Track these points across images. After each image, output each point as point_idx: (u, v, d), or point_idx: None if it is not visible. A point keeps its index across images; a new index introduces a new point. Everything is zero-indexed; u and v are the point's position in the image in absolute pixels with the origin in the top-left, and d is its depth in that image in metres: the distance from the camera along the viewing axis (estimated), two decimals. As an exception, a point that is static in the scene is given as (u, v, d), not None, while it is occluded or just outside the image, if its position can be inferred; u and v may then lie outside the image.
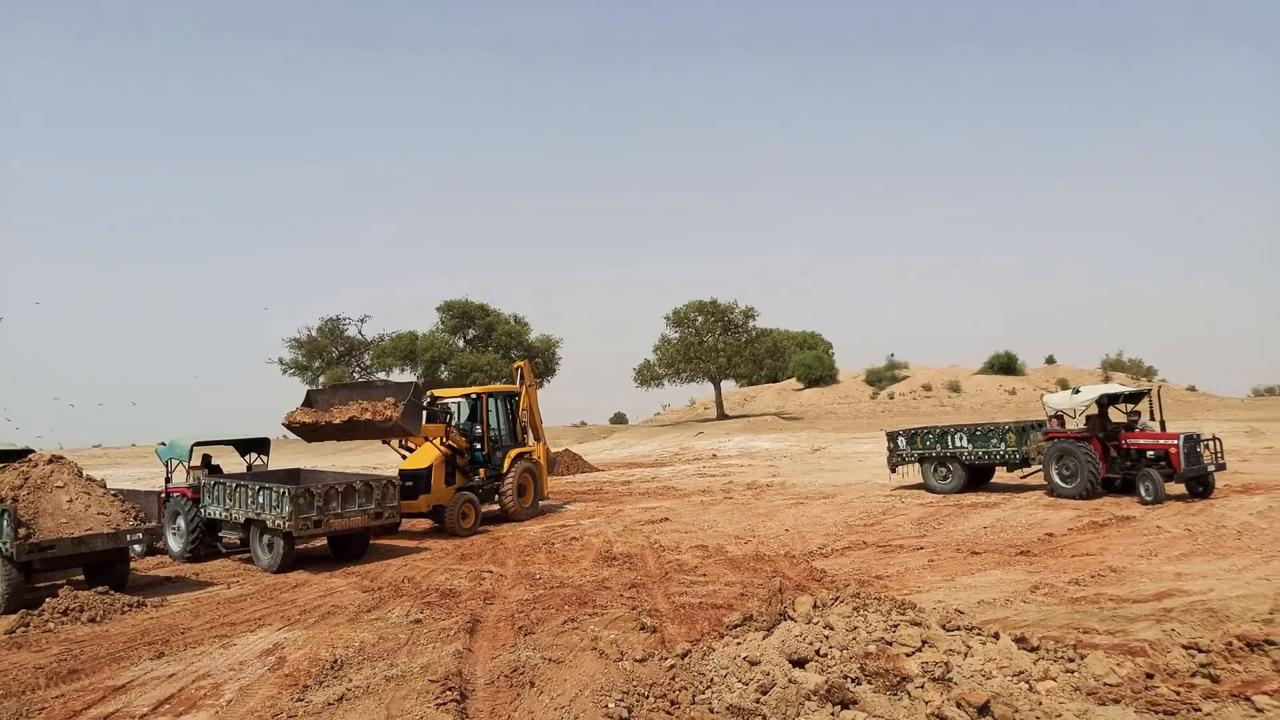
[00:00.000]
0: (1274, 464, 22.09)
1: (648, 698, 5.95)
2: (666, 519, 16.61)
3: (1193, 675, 5.70)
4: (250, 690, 7.04)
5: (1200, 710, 5.06)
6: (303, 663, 7.72)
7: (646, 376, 65.37)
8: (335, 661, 7.58)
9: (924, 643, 6.20)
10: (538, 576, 11.32)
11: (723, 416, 62.02)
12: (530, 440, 19.28)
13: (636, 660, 6.86)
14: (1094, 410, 17.37)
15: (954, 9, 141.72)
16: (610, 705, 5.86)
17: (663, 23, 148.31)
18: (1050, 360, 71.93)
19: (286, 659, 7.94)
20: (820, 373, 72.52)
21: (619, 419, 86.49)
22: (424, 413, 16.15)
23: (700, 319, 63.65)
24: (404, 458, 17.29)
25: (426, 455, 16.59)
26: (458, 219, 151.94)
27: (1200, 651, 6.17)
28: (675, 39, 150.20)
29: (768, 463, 32.22)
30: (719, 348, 62.31)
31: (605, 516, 17.59)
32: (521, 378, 19.61)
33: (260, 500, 12.96)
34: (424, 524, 17.19)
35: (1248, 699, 5.14)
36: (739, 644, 6.71)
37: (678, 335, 64.09)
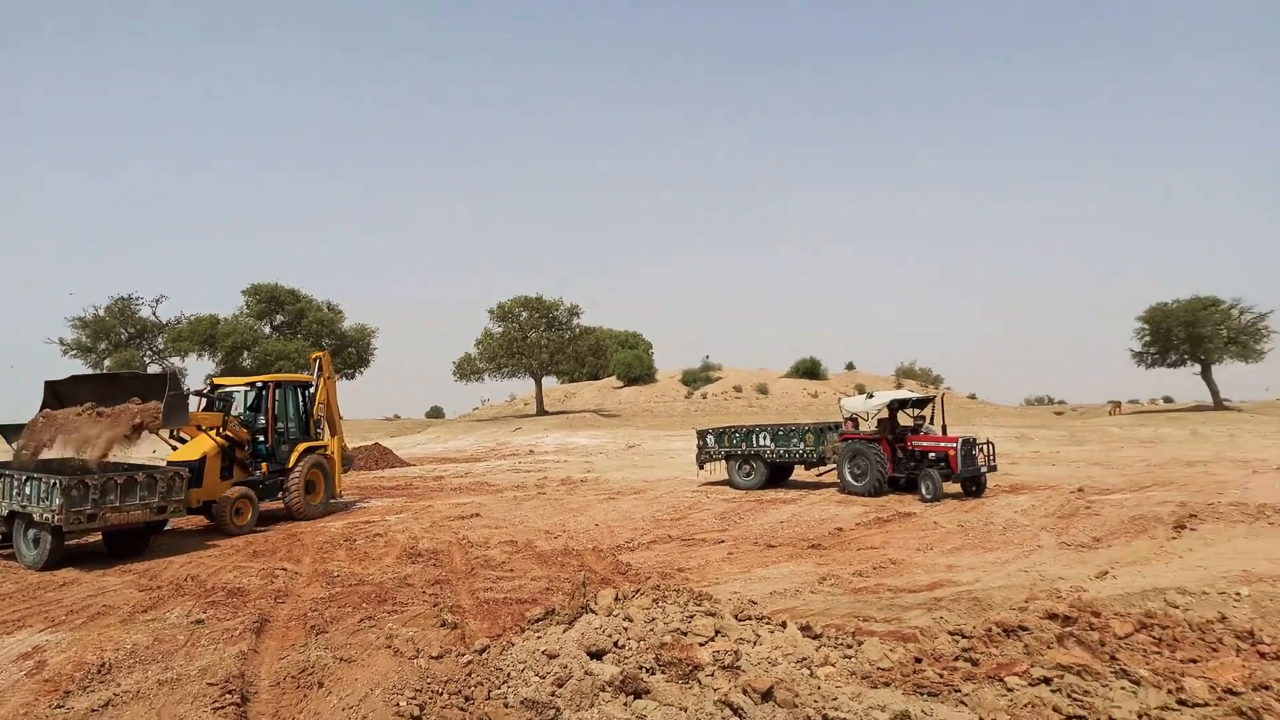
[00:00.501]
0: (1039, 467, 24.37)
1: (441, 694, 5.84)
2: (477, 514, 16.38)
3: (956, 659, 6.17)
4: (2, 698, 6.38)
5: (960, 691, 5.48)
6: (65, 667, 7.06)
7: (466, 370, 64.38)
8: (103, 665, 6.98)
9: (717, 632, 6.42)
10: (336, 574, 10.87)
11: (542, 412, 61.94)
12: (327, 434, 18.37)
13: (433, 657, 6.72)
14: (885, 414, 18.58)
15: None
16: (402, 703, 5.70)
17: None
18: (851, 366, 76.56)
19: (47, 663, 7.24)
20: (639, 372, 73.83)
21: (435, 413, 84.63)
22: (190, 400, 14.75)
23: (525, 314, 63.34)
24: (174, 449, 15.86)
25: (199, 447, 15.28)
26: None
27: (964, 637, 6.70)
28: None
29: (584, 459, 32.44)
30: (542, 344, 62.24)
31: (413, 512, 17.14)
32: (320, 368, 18.45)
33: (27, 491, 11.75)
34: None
35: (1001, 680, 5.63)
36: (539, 638, 6.71)
37: (501, 330, 63.46)
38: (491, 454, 37.66)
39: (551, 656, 6.16)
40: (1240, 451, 28.43)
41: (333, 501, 17.88)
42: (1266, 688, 5.30)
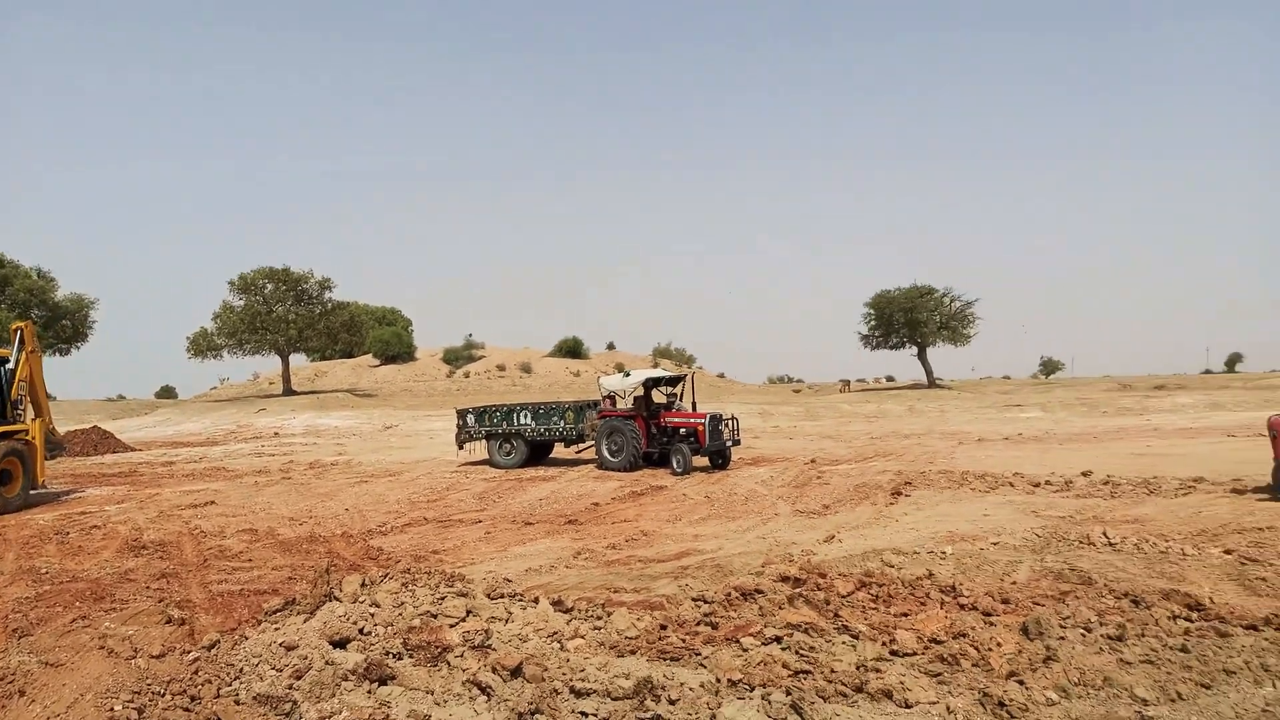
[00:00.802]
0: (778, 440, 26.11)
1: (163, 695, 5.36)
2: (212, 502, 15.21)
3: (698, 624, 6.47)
4: None
5: (700, 654, 5.76)
6: None
7: (202, 347, 59.40)
8: None
9: (469, 612, 6.35)
10: (44, 571, 9.71)
11: (290, 392, 58.44)
12: (29, 416, 16.28)
13: (154, 656, 6.16)
14: (641, 392, 19.15)
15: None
16: (117, 708, 5.19)
17: None
18: (611, 346, 78.37)
19: None
20: (398, 350, 71.59)
21: (166, 393, 77.79)
22: None
23: (270, 287, 59.19)
24: None
25: None
26: None
27: (705, 603, 7.05)
28: None
29: (335, 441, 31.04)
30: (289, 319, 58.56)
31: (138, 501, 15.64)
32: (20, 341, 16.09)
33: None
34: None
35: (738, 641, 5.97)
36: (277, 629, 6.34)
37: (243, 303, 58.99)
38: (231, 437, 35.14)
39: (290, 648, 5.84)
40: (949, 425, 31.90)
41: (33, 493, 15.84)
42: (964, 635, 5.97)
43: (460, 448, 21.17)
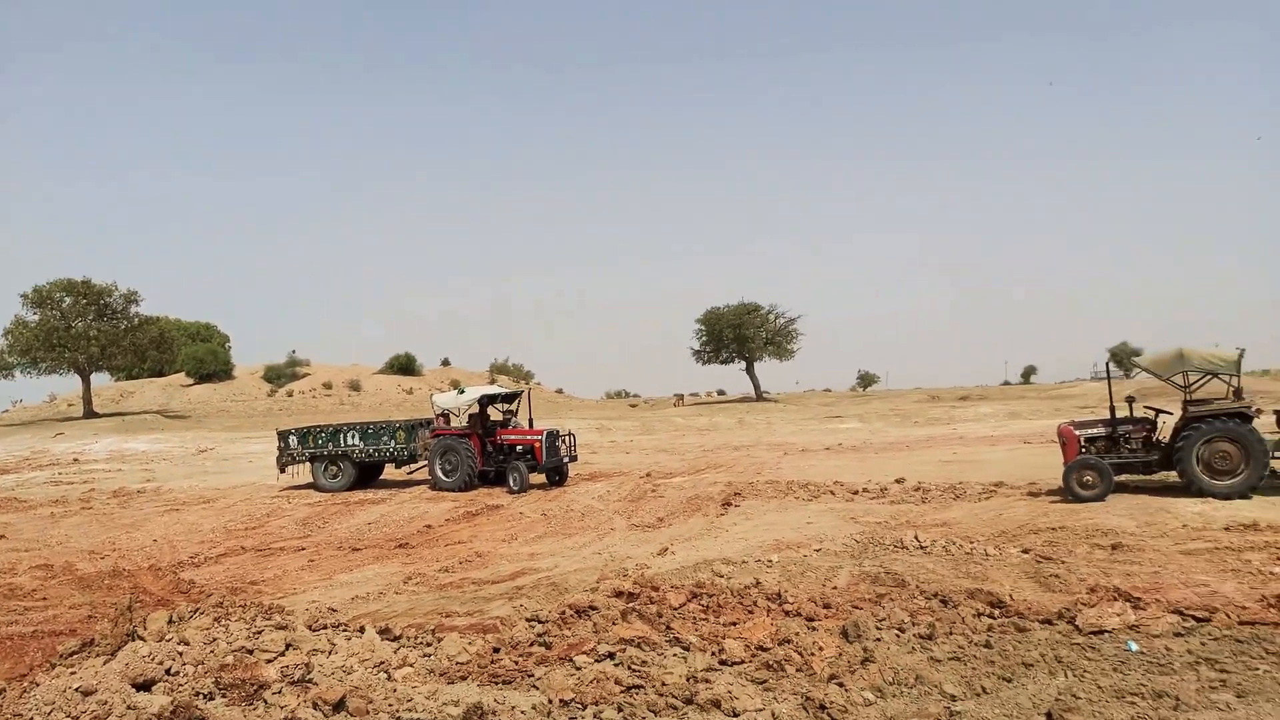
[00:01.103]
0: (615, 455, 26.33)
1: (-67, 759, 4.82)
2: (2, 536, 13.83)
3: (531, 644, 6.41)
4: None
5: (533, 676, 5.71)
6: None
7: (-11, 365, 53.88)
8: None
9: (288, 646, 6.06)
10: None
11: (91, 415, 53.87)
12: None
13: (-79, 716, 5.52)
14: (476, 409, 18.87)
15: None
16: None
17: None
18: (446, 362, 76.82)
19: None
20: (214, 368, 67.37)
21: (-56, 417, 70.24)
22: None
23: (68, 300, 54.39)
24: None
25: None
26: None
27: (540, 622, 7.00)
28: None
29: (143, 466, 28.85)
30: (91, 335, 54.00)
31: (-93, 539, 14.02)
32: None
33: None
34: None
35: (571, 660, 5.95)
36: (73, 673, 5.81)
37: (38, 317, 53.92)
38: (24, 464, 32.01)
39: (87, 694, 5.37)
40: (775, 436, 33.12)
41: None
42: (789, 641, 6.19)
43: (282, 471, 20.16)
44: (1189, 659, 5.51)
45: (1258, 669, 5.28)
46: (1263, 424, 12.62)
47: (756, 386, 67.99)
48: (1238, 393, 12.51)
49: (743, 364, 68.13)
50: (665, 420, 45.78)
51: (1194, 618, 6.31)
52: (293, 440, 19.88)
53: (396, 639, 6.51)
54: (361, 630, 6.56)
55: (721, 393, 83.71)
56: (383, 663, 5.89)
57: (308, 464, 19.69)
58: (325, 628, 6.64)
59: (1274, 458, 12.17)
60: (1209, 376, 12.81)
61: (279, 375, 67.29)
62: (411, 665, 5.90)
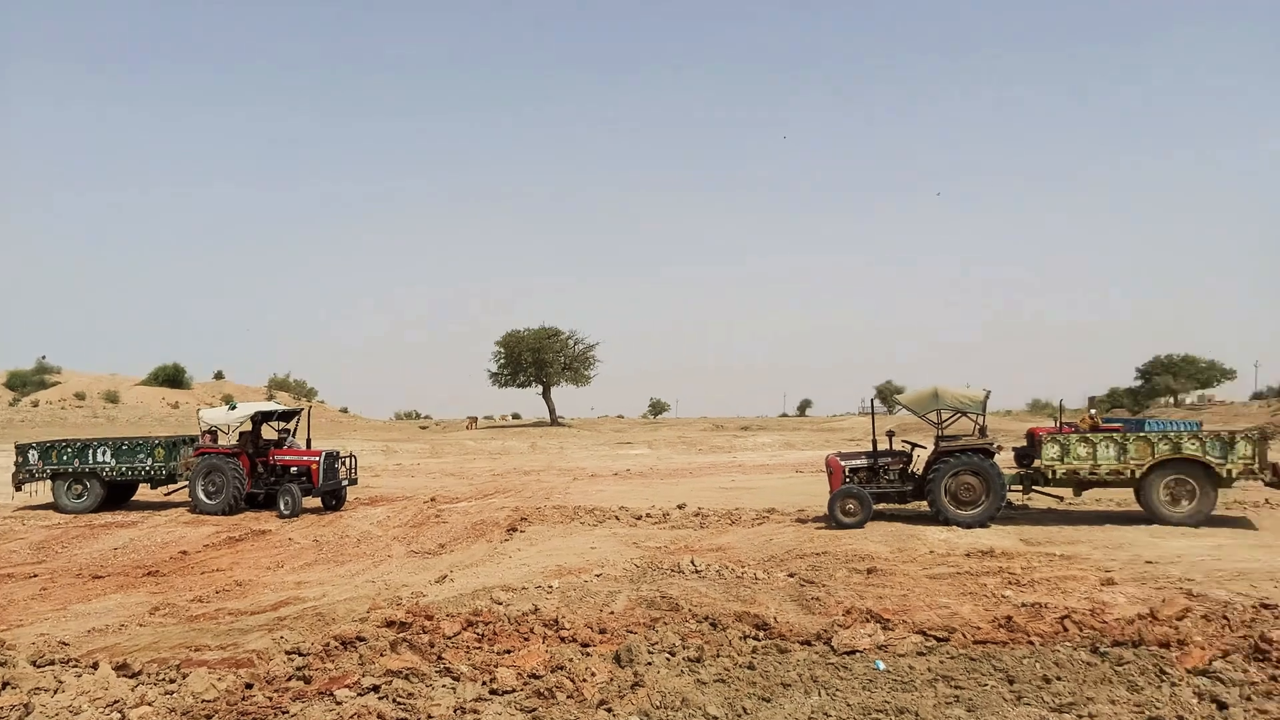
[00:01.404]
0: (400, 479, 25.49)
1: None
2: None
3: (290, 679, 6.03)
4: None
5: (288, 712, 5.36)
6: None
7: None
8: None
9: (5, 684, 5.44)
10: None
11: None
12: None
13: None
14: (248, 426, 17.70)
15: None
16: None
17: None
18: (219, 375, 71.71)
19: None
20: (-59, 373, 59.44)
21: None
22: None
23: None
24: None
25: None
26: None
27: (301, 655, 6.60)
28: None
29: None
30: None
31: None
32: None
33: None
34: None
35: (331, 694, 5.64)
36: None
37: None
38: None
39: None
40: (567, 461, 33.24)
41: None
42: (562, 668, 6.16)
43: (18, 489, 18.05)
44: (929, 676, 5.94)
45: (986, 684, 5.76)
46: (1003, 460, 14.01)
47: (552, 410, 68.08)
48: (982, 430, 13.81)
49: (540, 388, 68.09)
50: (456, 443, 44.87)
51: (935, 637, 6.84)
52: (33, 455, 17.88)
53: (135, 675, 5.96)
54: (95, 666, 5.96)
55: (517, 416, 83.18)
56: (116, 702, 5.36)
57: (49, 482, 17.75)
58: (53, 663, 6.01)
59: (1010, 490, 13.56)
60: (959, 415, 14.06)
61: (24, 383, 60.20)
62: (151, 704, 5.40)
